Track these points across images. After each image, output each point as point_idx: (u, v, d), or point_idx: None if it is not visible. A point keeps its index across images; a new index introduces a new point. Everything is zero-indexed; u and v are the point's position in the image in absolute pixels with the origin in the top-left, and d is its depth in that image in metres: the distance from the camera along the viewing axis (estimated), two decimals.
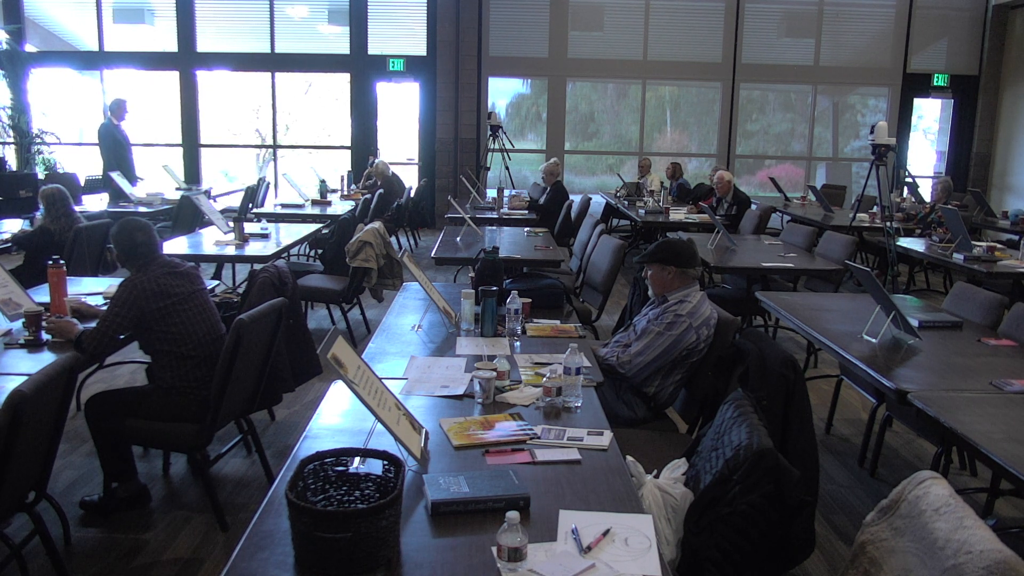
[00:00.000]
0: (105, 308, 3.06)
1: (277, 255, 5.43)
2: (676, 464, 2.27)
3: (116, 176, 8.11)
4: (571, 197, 8.43)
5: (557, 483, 1.98)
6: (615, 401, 3.08)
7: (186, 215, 7.42)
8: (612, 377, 3.11)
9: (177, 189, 9.23)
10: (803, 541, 2.02)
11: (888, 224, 6.64)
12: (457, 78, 11.77)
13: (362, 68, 11.98)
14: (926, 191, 10.11)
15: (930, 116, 12.94)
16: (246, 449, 3.77)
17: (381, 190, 8.70)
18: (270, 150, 12.78)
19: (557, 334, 3.33)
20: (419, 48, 11.92)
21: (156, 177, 9.71)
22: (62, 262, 3.40)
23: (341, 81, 12.34)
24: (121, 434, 3.09)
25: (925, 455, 4.02)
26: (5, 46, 11.32)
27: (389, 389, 2.09)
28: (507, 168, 11.15)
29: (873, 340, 3.29)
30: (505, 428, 2.29)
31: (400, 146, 12.55)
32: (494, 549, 1.63)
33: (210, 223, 6.28)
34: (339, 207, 8.38)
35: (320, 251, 7.00)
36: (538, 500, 1.86)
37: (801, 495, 1.94)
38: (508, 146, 11.27)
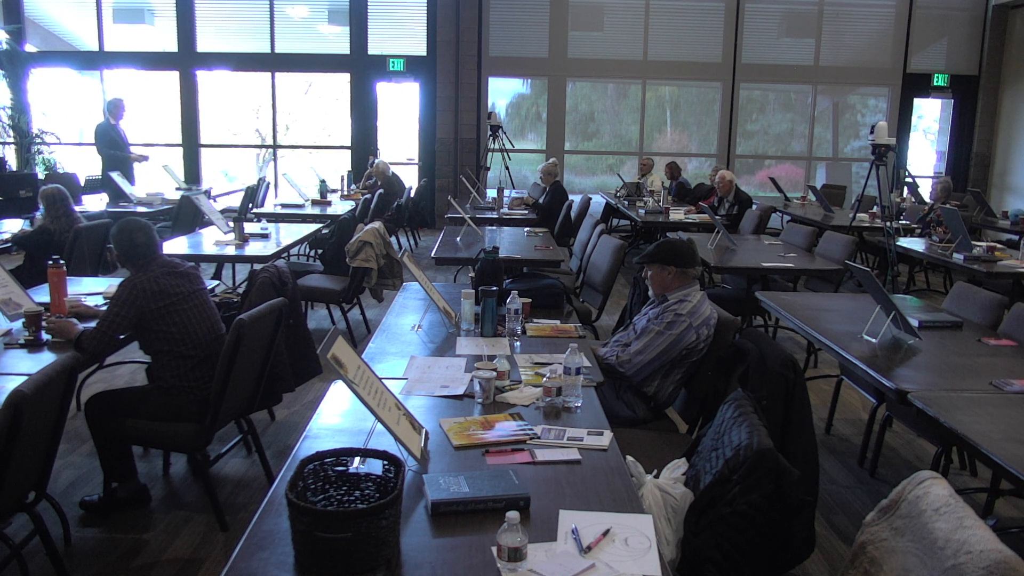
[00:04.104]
0: (105, 308, 3.06)
1: (277, 255, 5.42)
2: (676, 464, 2.26)
3: (116, 176, 8.11)
4: (571, 197, 8.43)
5: (557, 483, 1.98)
6: (615, 401, 3.08)
7: (186, 215, 7.42)
8: (612, 377, 3.11)
9: (177, 189, 9.22)
10: (803, 541, 2.02)
11: (888, 224, 6.64)
12: (457, 78, 11.77)
13: (362, 68, 11.98)
14: (926, 191, 10.11)
15: (930, 116, 12.93)
16: (246, 449, 3.78)
17: (381, 190, 8.70)
18: (270, 150, 12.78)
19: (557, 334, 3.33)
20: (419, 48, 11.92)
21: (156, 177, 9.70)
22: (62, 262, 3.40)
23: (341, 81, 12.34)
24: (121, 434, 3.09)
25: (925, 455, 4.02)
26: (5, 46, 11.32)
27: (389, 389, 2.09)
28: (507, 168, 11.15)
29: (873, 340, 3.29)
30: (505, 428, 2.29)
31: (400, 146, 12.54)
32: (494, 549, 1.63)
33: (210, 223, 6.28)
34: (339, 207, 8.38)
35: (320, 251, 7.00)
36: (538, 500, 1.86)
37: (801, 495, 1.94)
38: (508, 146, 11.27)
